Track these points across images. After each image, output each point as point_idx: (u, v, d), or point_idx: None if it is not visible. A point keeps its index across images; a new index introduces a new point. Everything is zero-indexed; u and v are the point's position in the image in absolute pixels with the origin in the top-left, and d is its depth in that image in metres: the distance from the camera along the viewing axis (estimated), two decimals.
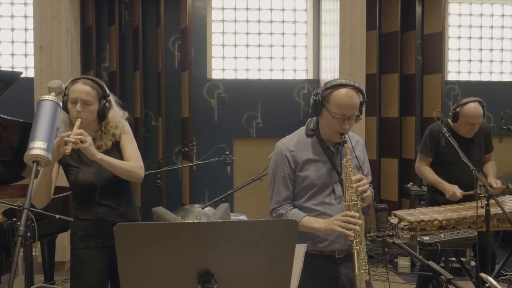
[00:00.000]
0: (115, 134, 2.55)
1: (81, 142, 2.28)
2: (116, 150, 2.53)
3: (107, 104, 2.50)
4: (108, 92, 2.54)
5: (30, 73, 5.61)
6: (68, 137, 2.25)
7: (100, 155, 2.37)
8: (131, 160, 2.49)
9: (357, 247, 2.02)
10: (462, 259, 3.97)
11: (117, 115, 2.58)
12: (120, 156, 2.50)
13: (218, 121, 6.09)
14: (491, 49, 6.68)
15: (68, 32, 5.13)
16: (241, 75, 6.30)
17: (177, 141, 5.95)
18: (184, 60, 5.88)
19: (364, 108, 2.23)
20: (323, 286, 2.19)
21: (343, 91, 2.13)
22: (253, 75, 6.32)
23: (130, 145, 2.55)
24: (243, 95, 6.11)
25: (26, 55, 5.94)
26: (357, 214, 2.05)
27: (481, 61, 6.68)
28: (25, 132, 2.81)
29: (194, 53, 5.95)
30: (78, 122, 2.38)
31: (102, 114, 2.49)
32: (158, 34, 5.84)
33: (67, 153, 2.25)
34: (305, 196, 2.21)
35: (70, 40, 5.18)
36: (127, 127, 2.61)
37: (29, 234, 1.94)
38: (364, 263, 2.01)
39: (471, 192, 3.38)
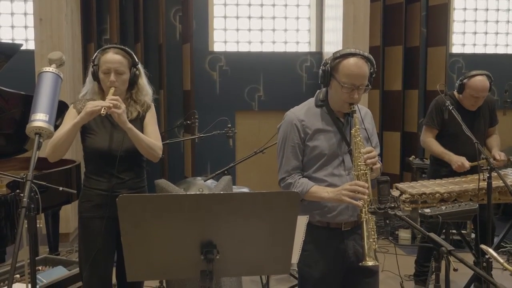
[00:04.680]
0: (144, 103, 2.57)
1: (115, 108, 2.32)
2: (139, 123, 2.54)
3: (137, 72, 2.54)
4: (137, 60, 2.57)
5: (31, 46, 5.56)
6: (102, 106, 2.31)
7: (130, 125, 2.40)
8: (151, 138, 2.51)
9: (366, 216, 2.02)
10: (462, 231, 4.00)
11: (146, 83, 2.62)
12: (141, 131, 2.51)
13: (220, 94, 6.06)
14: (497, 21, 6.59)
15: (68, 3, 5.06)
16: (243, 48, 6.24)
17: (179, 114, 5.94)
18: (186, 32, 5.82)
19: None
20: (329, 259, 2.20)
21: (352, 60, 2.10)
22: (255, 48, 6.26)
23: (153, 124, 2.59)
24: (245, 67, 6.06)
25: (26, 27, 5.88)
26: (366, 184, 2.05)
27: (486, 33, 6.60)
28: (27, 105, 2.80)
29: (195, 25, 5.88)
30: (112, 90, 2.41)
31: (133, 82, 2.54)
32: (159, 6, 5.76)
33: (102, 115, 2.31)
34: (314, 166, 2.21)
35: (70, 12, 5.11)
36: (153, 106, 2.64)
37: (32, 206, 1.95)
38: (373, 232, 2.02)
39: (476, 163, 3.37)
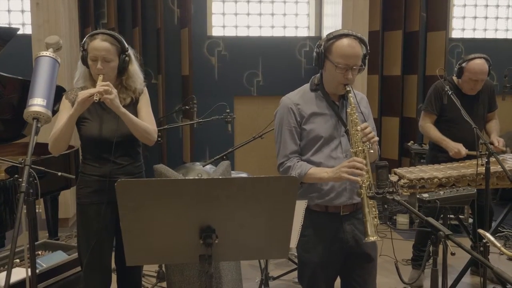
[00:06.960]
0: (136, 90, 2.55)
1: (107, 93, 2.31)
2: (132, 108, 2.53)
3: (126, 58, 2.50)
4: (127, 46, 2.53)
5: (28, 30, 5.51)
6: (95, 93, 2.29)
7: (123, 109, 2.39)
8: (146, 122, 2.50)
9: (366, 192, 2.03)
10: (460, 216, 4.02)
11: (137, 69, 2.58)
12: (135, 116, 2.50)
13: (218, 79, 6.04)
14: (497, 6, 6.54)
15: None
16: (242, 32, 6.20)
17: (177, 99, 5.92)
18: (184, 17, 5.77)
19: (366, 64, 2.21)
20: (327, 243, 2.21)
21: (345, 40, 2.13)
22: (254, 32, 6.22)
23: (146, 108, 2.57)
24: (243, 52, 6.03)
25: (23, 11, 5.83)
26: (364, 161, 2.05)
27: (486, 17, 6.55)
28: (25, 90, 2.79)
29: (193, 9, 5.83)
30: (100, 77, 2.39)
31: (122, 69, 2.50)
32: None
33: (95, 101, 2.29)
34: (312, 149, 2.22)
35: None
36: (146, 90, 2.62)
37: (31, 191, 1.95)
38: (374, 209, 2.03)
39: (475, 153, 3.37)
